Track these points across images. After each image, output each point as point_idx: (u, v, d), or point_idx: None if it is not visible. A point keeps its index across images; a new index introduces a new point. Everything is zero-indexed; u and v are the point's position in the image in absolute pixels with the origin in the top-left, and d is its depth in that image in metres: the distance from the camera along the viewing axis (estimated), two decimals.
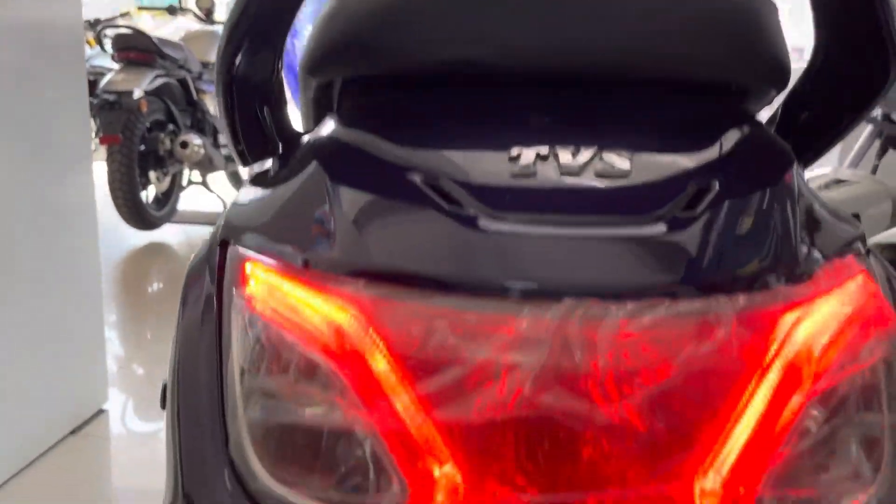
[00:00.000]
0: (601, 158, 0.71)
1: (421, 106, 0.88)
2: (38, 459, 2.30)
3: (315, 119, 1.03)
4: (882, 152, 3.20)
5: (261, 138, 0.99)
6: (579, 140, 0.73)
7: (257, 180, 0.95)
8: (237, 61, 0.87)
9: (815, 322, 0.67)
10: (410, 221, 0.69)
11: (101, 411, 2.65)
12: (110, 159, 3.95)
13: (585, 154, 0.72)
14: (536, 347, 0.61)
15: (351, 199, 0.73)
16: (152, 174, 4.33)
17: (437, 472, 0.64)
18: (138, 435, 2.60)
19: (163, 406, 0.85)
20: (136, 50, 4.21)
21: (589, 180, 0.69)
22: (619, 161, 0.71)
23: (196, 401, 0.77)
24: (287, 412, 0.67)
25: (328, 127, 0.87)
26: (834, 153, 4.16)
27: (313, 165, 0.81)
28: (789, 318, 0.66)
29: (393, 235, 0.69)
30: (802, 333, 0.66)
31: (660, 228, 0.66)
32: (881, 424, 0.69)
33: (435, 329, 0.62)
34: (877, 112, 3.12)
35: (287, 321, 0.70)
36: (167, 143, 4.31)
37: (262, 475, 0.68)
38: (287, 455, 0.69)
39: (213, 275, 0.84)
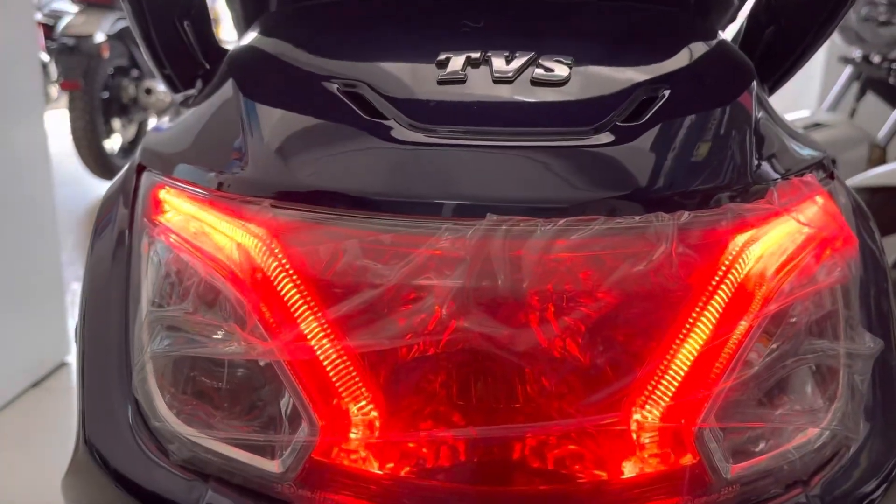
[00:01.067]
0: (538, 64, 0.64)
1: (344, 10, 0.81)
2: (1, 410, 2.25)
3: (243, 31, 0.95)
4: (860, 95, 3.14)
5: (186, 59, 0.92)
6: (515, 44, 0.66)
7: (182, 104, 0.88)
8: None
9: (766, 242, 0.62)
10: (323, 135, 0.63)
11: (62, 364, 2.60)
12: (72, 106, 3.82)
13: (521, 59, 0.65)
14: (455, 269, 0.55)
15: (262, 115, 0.66)
16: (117, 122, 4.19)
17: (350, 408, 0.59)
18: None
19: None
20: None
21: (523, 88, 0.63)
22: (557, 67, 0.64)
23: (102, 338, 0.71)
24: (191, 344, 0.61)
25: (249, 37, 0.80)
26: (812, 96, 4.10)
27: (228, 81, 0.74)
28: (738, 238, 0.61)
29: (303, 151, 0.63)
30: (752, 254, 0.61)
31: (597, 139, 0.59)
32: (836, 352, 0.64)
33: (345, 250, 0.56)
34: (856, 53, 3.05)
35: (195, 248, 0.64)
36: (131, 89, 4.16)
37: (164, 413, 0.63)
38: (191, 391, 0.64)
39: (127, 202, 0.77)
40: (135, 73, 4.23)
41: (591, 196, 0.58)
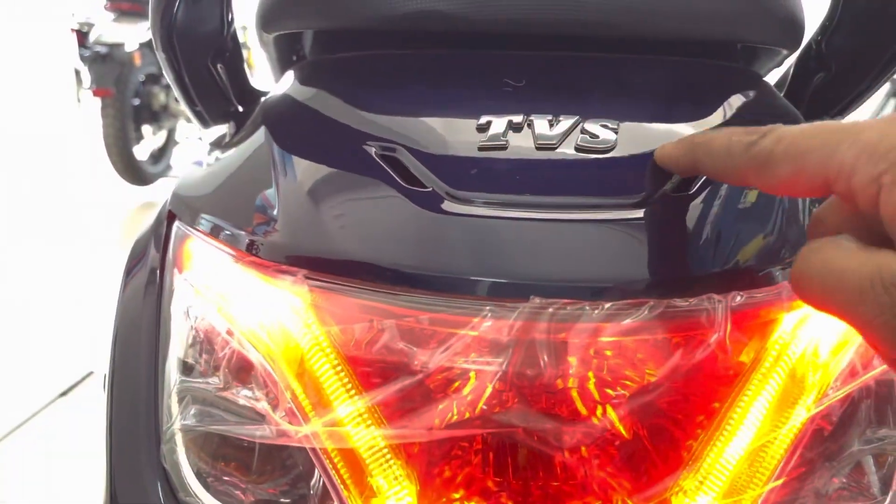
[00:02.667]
0: (583, 129, 0.61)
1: (383, 65, 0.78)
2: (29, 420, 2.31)
3: (278, 76, 0.93)
4: None
5: (218, 98, 0.90)
6: (559, 107, 0.63)
7: (213, 145, 0.87)
8: (175, 10, 0.77)
9: (821, 322, 0.58)
10: (361, 201, 0.60)
11: (90, 373, 2.63)
12: (104, 112, 3.86)
13: (565, 123, 0.62)
14: (498, 354, 0.52)
15: (296, 172, 0.64)
16: (147, 129, 4.23)
17: (384, 494, 0.56)
18: None
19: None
20: (129, 0, 4.07)
21: (567, 155, 0.60)
22: (603, 132, 0.61)
23: (131, 396, 0.70)
24: (221, 422, 0.59)
25: (284, 85, 0.78)
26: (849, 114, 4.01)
27: (261, 130, 0.72)
28: (791, 317, 0.57)
29: (340, 217, 0.60)
30: (807, 335, 0.58)
31: (646, 212, 0.56)
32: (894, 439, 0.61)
33: (383, 330, 0.54)
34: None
35: (224, 313, 0.62)
36: (162, 96, 4.20)
37: (195, 488, 0.61)
38: (222, 467, 0.62)
39: (158, 248, 0.76)
40: (165, 80, 4.26)
41: (638, 276, 0.55)
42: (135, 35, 3.94)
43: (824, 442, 0.57)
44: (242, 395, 0.58)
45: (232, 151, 0.76)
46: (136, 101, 4.08)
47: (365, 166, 0.61)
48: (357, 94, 0.71)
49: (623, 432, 0.55)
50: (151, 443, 0.65)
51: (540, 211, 0.57)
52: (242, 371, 0.59)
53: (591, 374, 0.53)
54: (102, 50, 3.82)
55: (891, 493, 0.61)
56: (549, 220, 0.56)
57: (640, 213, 0.56)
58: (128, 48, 3.88)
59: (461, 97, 0.69)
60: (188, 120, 4.50)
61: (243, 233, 0.64)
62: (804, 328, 0.58)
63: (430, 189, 0.57)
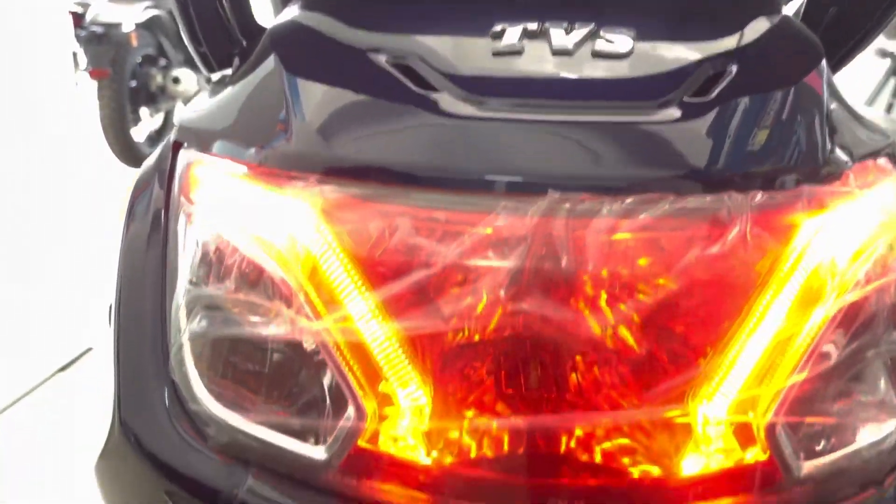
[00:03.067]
0: (599, 36, 0.61)
1: None
2: (29, 394, 2.26)
3: (279, 10, 0.92)
4: None
5: (223, 36, 0.89)
6: (575, 15, 0.63)
7: (216, 84, 0.86)
8: None
9: (841, 226, 0.58)
10: (373, 108, 0.60)
11: (89, 349, 2.62)
12: (100, 94, 3.82)
13: (581, 31, 0.61)
14: (514, 249, 0.52)
15: (307, 89, 0.63)
16: (144, 110, 4.19)
17: (398, 393, 0.56)
18: None
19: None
20: None
21: (584, 61, 0.59)
22: (619, 40, 0.61)
23: (138, 319, 0.69)
24: (232, 323, 0.59)
25: (289, 13, 0.77)
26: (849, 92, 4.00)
27: (270, 56, 0.71)
28: (812, 221, 0.57)
29: (352, 124, 0.60)
30: (827, 239, 0.57)
31: (664, 114, 0.56)
32: None
33: (397, 227, 0.53)
34: (894, 48, 2.97)
35: (236, 225, 0.62)
36: (159, 78, 4.16)
37: (202, 396, 0.61)
38: (230, 373, 0.61)
39: (162, 181, 0.75)
40: (162, 62, 4.23)
41: (658, 174, 0.54)
42: (131, 15, 3.91)
43: (843, 343, 0.57)
44: (254, 296, 0.57)
45: (240, 81, 0.75)
46: (133, 83, 4.04)
47: (377, 75, 0.60)
48: (364, 13, 0.70)
49: (638, 333, 0.54)
50: (159, 360, 0.65)
51: (557, 112, 0.56)
52: (253, 276, 0.58)
53: (608, 269, 0.53)
54: (98, 30, 3.78)
55: None
56: (566, 121, 0.56)
57: (659, 115, 0.56)
58: (124, 28, 3.85)
59: (473, 8, 0.68)
60: (185, 104, 4.48)
61: (255, 149, 0.63)
62: (824, 233, 0.57)
63: (444, 93, 0.56)
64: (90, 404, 2.37)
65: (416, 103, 0.57)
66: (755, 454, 0.57)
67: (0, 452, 2.04)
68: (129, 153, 4.06)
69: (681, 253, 0.53)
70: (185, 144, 0.74)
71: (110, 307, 0.78)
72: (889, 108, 3.13)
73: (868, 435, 0.60)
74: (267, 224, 0.60)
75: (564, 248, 0.52)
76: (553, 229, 0.51)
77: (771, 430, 0.56)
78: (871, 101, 3.12)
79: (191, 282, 0.64)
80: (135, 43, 3.91)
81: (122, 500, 0.68)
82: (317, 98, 0.63)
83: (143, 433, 0.63)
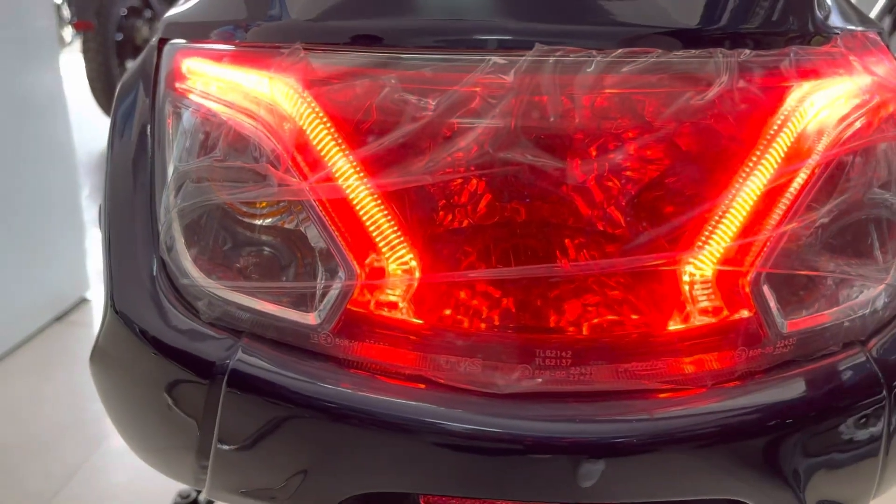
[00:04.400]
0: None
1: None
2: (25, 343, 2.27)
3: None
4: (893, 28, 3.03)
5: None
6: None
7: None
8: None
9: (830, 88, 0.58)
10: None
11: (83, 300, 2.62)
12: (85, 47, 3.78)
13: None
14: (500, 102, 0.52)
15: None
16: (131, 63, 4.14)
17: (387, 254, 0.56)
18: None
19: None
20: None
21: None
22: None
23: (127, 211, 0.69)
24: (220, 191, 0.59)
25: None
26: None
27: None
28: (800, 80, 0.57)
29: None
30: (816, 98, 0.57)
31: None
32: None
33: (383, 87, 0.53)
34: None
35: (221, 103, 0.61)
36: (144, 30, 4.10)
37: (192, 271, 0.61)
38: (219, 246, 0.61)
39: (147, 81, 0.75)
40: (148, 13, 4.17)
41: (644, 29, 0.54)
42: None
43: (826, 200, 0.57)
44: (243, 161, 0.57)
45: None
46: (119, 36, 3.99)
47: None
48: None
49: (627, 184, 0.54)
50: (149, 246, 0.65)
51: None
52: (240, 145, 0.58)
53: (595, 123, 0.53)
54: None
55: (894, 265, 0.61)
56: None
57: None
58: None
59: None
60: None
61: (240, 28, 0.63)
62: (812, 92, 0.57)
63: None
64: (84, 354, 2.39)
65: None
66: (740, 312, 0.58)
67: None
68: None
69: (667, 106, 0.53)
70: (170, 39, 0.73)
71: (100, 207, 0.78)
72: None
73: (854, 296, 0.61)
74: (254, 98, 0.59)
75: (551, 102, 0.52)
76: (540, 82, 0.51)
77: (755, 285, 0.57)
78: None
79: (181, 160, 0.64)
80: None
81: (119, 387, 0.69)
82: None
83: (136, 315, 0.64)
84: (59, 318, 2.48)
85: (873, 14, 3.01)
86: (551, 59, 0.51)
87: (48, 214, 2.42)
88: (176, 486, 1.52)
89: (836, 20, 0.62)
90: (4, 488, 1.71)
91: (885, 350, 0.61)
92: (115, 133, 0.76)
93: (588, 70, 0.51)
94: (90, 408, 2.03)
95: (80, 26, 3.77)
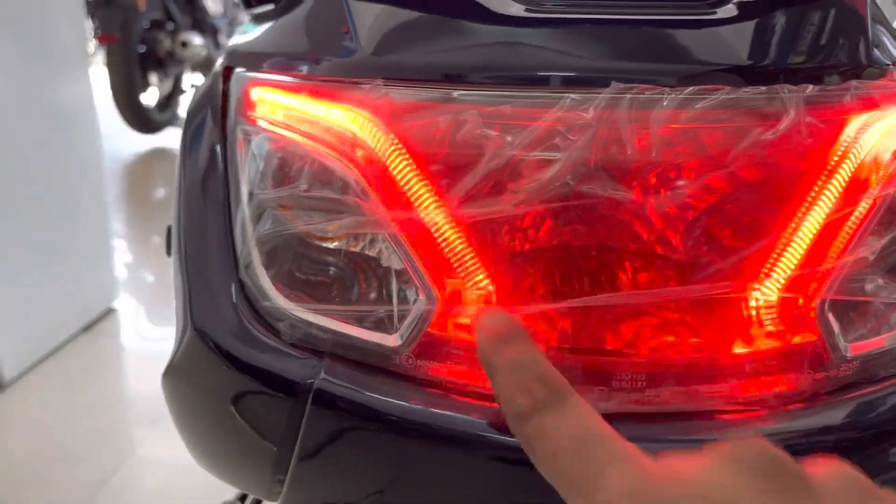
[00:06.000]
0: None
1: None
2: (54, 353, 2.31)
3: None
4: None
5: None
6: None
7: (260, 16, 0.88)
8: None
9: (887, 118, 0.60)
10: (432, 9, 0.62)
11: (110, 310, 2.65)
12: (109, 60, 3.83)
13: None
14: (578, 138, 0.54)
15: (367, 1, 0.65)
16: (153, 76, 4.20)
17: (467, 280, 0.58)
18: (147, 332, 2.60)
19: (168, 253, 0.80)
20: None
21: None
22: None
23: (204, 236, 0.71)
24: (303, 219, 0.61)
25: None
26: None
27: None
28: (861, 114, 0.59)
29: (413, 27, 0.62)
30: (875, 131, 0.60)
31: (719, 11, 0.58)
32: None
33: (466, 120, 0.56)
34: None
35: (299, 134, 0.64)
36: (167, 43, 4.16)
37: (273, 293, 0.63)
38: (298, 268, 0.64)
39: (215, 110, 0.77)
40: (170, 26, 4.23)
41: (713, 67, 0.57)
42: None
43: (885, 230, 0.60)
44: (329, 192, 0.60)
45: (291, 3, 0.77)
46: (142, 48, 4.05)
47: None
48: None
49: (693, 221, 0.57)
50: (228, 268, 0.67)
51: (614, 11, 0.58)
52: (322, 177, 0.61)
53: (669, 157, 0.55)
54: None
55: None
56: (624, 19, 0.58)
57: (715, 12, 0.58)
58: None
59: None
60: (192, 69, 4.48)
61: (316, 61, 0.65)
62: (872, 124, 0.60)
63: None
64: (114, 362, 2.41)
65: (479, 6, 0.59)
66: (804, 336, 0.61)
67: (24, 410, 2.06)
68: (139, 119, 4.08)
69: (736, 140, 0.56)
70: (237, 67, 0.76)
71: (167, 235, 0.81)
72: None
73: None
74: (337, 131, 0.62)
75: (629, 136, 0.54)
76: (617, 118, 0.54)
77: (820, 310, 0.59)
78: None
79: (252, 192, 0.66)
80: (142, 7, 3.91)
81: (195, 403, 0.72)
82: (378, 8, 0.65)
83: (217, 334, 0.66)
84: (86, 329, 2.51)
85: None
86: (627, 97, 0.54)
87: (76, 225, 2.44)
88: (208, 496, 1.53)
89: (886, 53, 0.65)
90: (36, 499, 1.73)
91: None
92: (187, 154, 0.79)
93: (662, 106, 0.54)
94: (120, 418, 2.06)
95: (104, 39, 3.82)
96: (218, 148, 0.75)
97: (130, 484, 1.79)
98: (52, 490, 1.74)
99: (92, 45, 4.12)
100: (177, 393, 0.71)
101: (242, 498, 1.23)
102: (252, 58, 0.74)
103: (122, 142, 4.23)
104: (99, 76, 4.03)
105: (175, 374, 0.71)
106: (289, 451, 0.62)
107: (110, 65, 3.86)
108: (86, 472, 1.83)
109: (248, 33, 0.84)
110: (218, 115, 0.77)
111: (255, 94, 0.70)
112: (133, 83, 3.92)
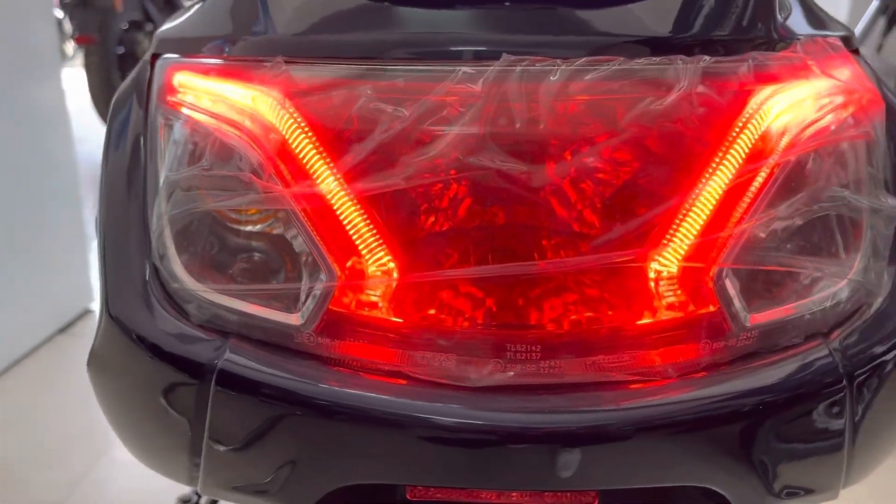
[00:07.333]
0: None
1: None
2: (30, 354, 2.29)
3: None
4: (887, 30, 3.05)
5: None
6: None
7: (192, 6, 0.88)
8: None
9: (790, 92, 0.61)
10: None
11: (87, 311, 2.64)
12: (87, 61, 3.82)
13: None
14: (470, 110, 0.54)
15: None
16: None
17: (367, 256, 0.59)
18: None
19: None
20: None
21: None
22: None
23: (121, 219, 0.72)
24: (208, 199, 0.62)
25: None
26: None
27: None
28: (761, 86, 0.60)
29: (311, 6, 0.62)
30: (775, 101, 0.60)
31: None
32: (860, 205, 0.63)
33: (360, 95, 0.56)
34: None
35: (210, 114, 0.64)
36: (146, 44, 4.15)
37: (182, 275, 0.64)
38: (207, 251, 0.64)
39: (140, 95, 0.77)
40: (149, 27, 4.21)
41: (608, 38, 0.57)
42: None
43: (790, 194, 0.60)
44: (227, 170, 0.60)
45: None
46: (121, 50, 4.04)
47: None
48: None
49: (593, 186, 0.57)
50: (142, 253, 0.68)
51: None
52: (226, 155, 0.61)
53: (561, 129, 0.55)
54: None
55: (855, 260, 0.64)
56: None
57: None
58: None
59: None
60: None
61: (227, 43, 0.66)
62: (773, 96, 0.60)
63: None
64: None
65: None
66: (704, 306, 0.61)
67: (1, 413, 2.05)
68: None
69: (628, 111, 0.56)
70: (162, 54, 0.76)
71: (96, 218, 0.81)
72: (879, 49, 3.12)
73: (816, 291, 0.63)
74: (239, 109, 0.62)
75: (518, 109, 0.54)
76: (507, 90, 0.54)
77: (719, 280, 0.59)
78: (860, 42, 3.12)
79: (171, 171, 0.67)
80: (120, 8, 3.90)
81: (115, 390, 0.72)
82: None
83: (129, 319, 0.66)
84: (62, 330, 2.50)
85: (866, 16, 3.03)
86: (518, 69, 0.54)
87: (51, 227, 2.44)
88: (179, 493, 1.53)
89: (798, 27, 0.65)
90: (9, 498, 1.73)
91: (846, 342, 0.63)
92: (110, 144, 0.79)
93: (553, 78, 0.54)
94: (95, 418, 2.04)
95: (82, 41, 3.82)
96: (140, 135, 0.75)
97: (103, 484, 1.78)
98: (25, 490, 1.74)
99: (71, 46, 4.11)
100: (98, 380, 0.72)
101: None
102: (176, 43, 0.74)
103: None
104: (78, 77, 4.04)
105: (95, 361, 0.71)
106: (200, 433, 0.63)
107: (88, 66, 3.85)
108: (59, 472, 1.82)
109: (177, 20, 0.84)
110: (143, 102, 0.77)
111: (176, 78, 0.71)
112: (112, 85, 3.91)
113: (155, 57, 0.77)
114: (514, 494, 0.67)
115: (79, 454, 1.88)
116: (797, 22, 0.66)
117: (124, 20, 4.03)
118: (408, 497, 0.68)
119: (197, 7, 0.79)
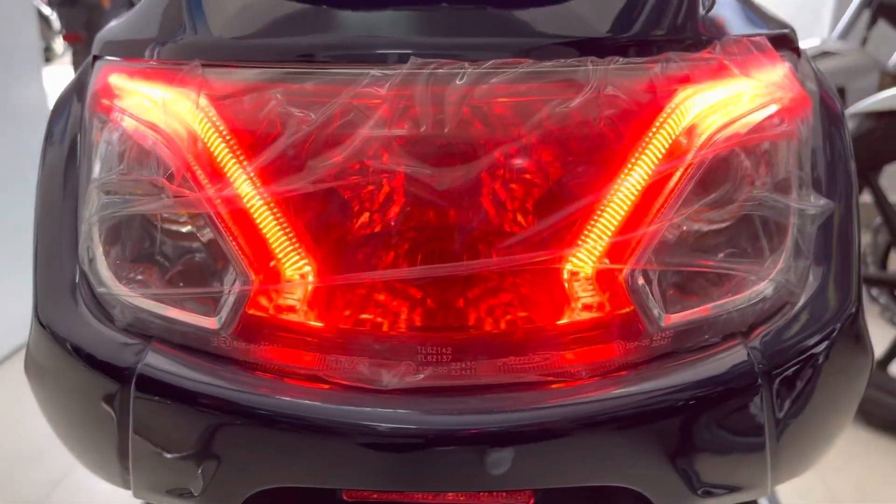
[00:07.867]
0: None
1: None
2: (9, 357, 2.32)
3: None
4: (871, 23, 3.03)
5: None
6: None
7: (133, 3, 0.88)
8: None
9: (707, 91, 0.60)
10: None
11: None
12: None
13: None
14: (375, 113, 0.54)
15: None
16: None
17: (282, 259, 0.59)
18: None
19: None
20: None
21: None
22: None
23: (52, 229, 0.72)
24: (124, 204, 0.62)
25: None
26: (824, 24, 3.97)
27: None
28: (672, 86, 0.59)
29: (229, 10, 0.63)
30: (692, 101, 0.60)
31: None
32: (784, 207, 0.63)
33: (270, 101, 0.56)
34: None
35: (132, 116, 0.65)
36: None
37: (107, 279, 0.64)
38: (130, 254, 0.65)
39: (81, 96, 0.78)
40: None
41: (523, 41, 0.57)
42: None
43: (706, 194, 0.60)
44: (142, 175, 0.60)
45: None
46: None
47: None
48: None
49: (502, 188, 0.57)
50: (72, 258, 0.68)
51: None
52: (143, 157, 0.61)
53: (468, 132, 0.55)
54: None
55: (777, 260, 0.64)
56: None
57: None
58: None
59: None
60: None
61: (155, 47, 0.66)
62: (690, 97, 0.60)
63: None
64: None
65: None
66: (620, 307, 0.61)
67: None
68: None
69: (534, 113, 0.56)
70: (101, 55, 0.77)
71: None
72: (863, 42, 3.11)
73: (735, 291, 0.63)
74: (157, 112, 0.62)
75: (423, 113, 0.54)
76: (413, 93, 0.54)
77: (633, 280, 0.60)
78: (844, 35, 3.10)
79: (98, 174, 0.67)
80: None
81: (50, 395, 0.72)
82: None
83: (56, 324, 0.67)
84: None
85: (850, 10, 3.02)
86: (425, 72, 0.54)
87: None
88: None
89: (724, 26, 0.65)
90: None
91: (765, 342, 0.63)
92: (48, 145, 0.79)
93: (459, 81, 0.54)
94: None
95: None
96: (77, 137, 0.75)
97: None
98: (5, 490, 1.74)
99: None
100: (33, 384, 0.72)
101: None
102: (113, 45, 0.75)
103: None
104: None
105: (29, 365, 0.71)
106: (126, 436, 0.63)
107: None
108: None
109: (118, 22, 0.84)
110: (80, 103, 0.77)
111: (110, 80, 0.71)
112: None
113: (96, 58, 0.77)
114: (450, 495, 0.67)
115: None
116: (723, 22, 0.66)
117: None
118: (344, 497, 0.68)
119: (135, 10, 0.79)
